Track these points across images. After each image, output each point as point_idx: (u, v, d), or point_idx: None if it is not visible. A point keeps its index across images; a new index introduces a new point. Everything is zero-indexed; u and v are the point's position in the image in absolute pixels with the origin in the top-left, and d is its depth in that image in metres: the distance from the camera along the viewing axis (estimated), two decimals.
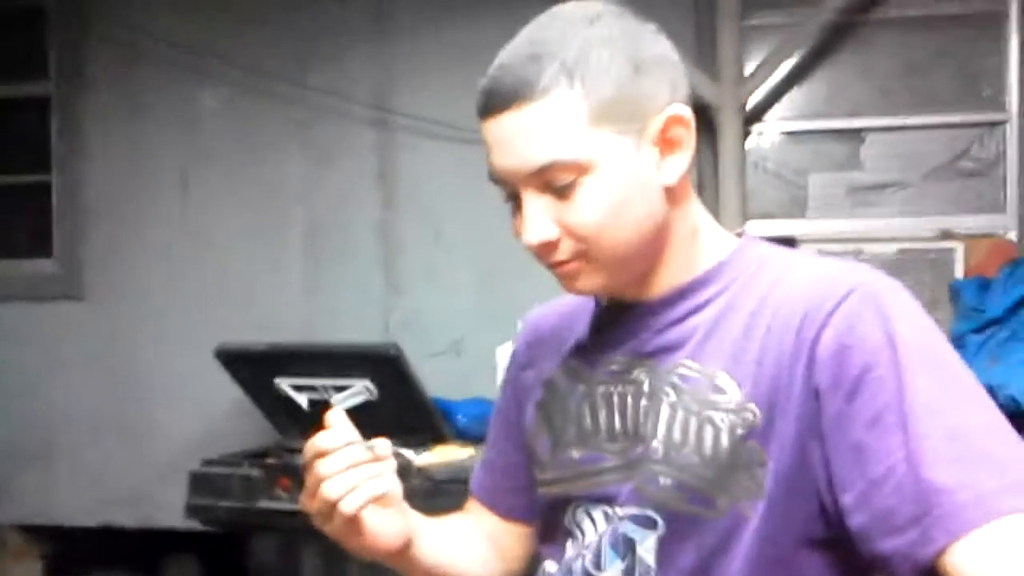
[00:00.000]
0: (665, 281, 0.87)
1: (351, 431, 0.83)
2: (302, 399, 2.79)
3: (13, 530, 3.43)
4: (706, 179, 2.95)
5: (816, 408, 0.76)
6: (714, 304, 0.85)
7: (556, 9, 0.84)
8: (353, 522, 0.84)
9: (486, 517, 1.04)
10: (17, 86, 3.53)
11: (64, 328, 3.43)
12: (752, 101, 2.97)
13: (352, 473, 0.81)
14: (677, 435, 0.81)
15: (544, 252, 0.83)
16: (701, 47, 2.96)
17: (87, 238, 3.43)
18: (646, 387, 0.85)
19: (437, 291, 3.15)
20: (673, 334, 0.85)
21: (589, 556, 0.86)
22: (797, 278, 0.82)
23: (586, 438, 0.88)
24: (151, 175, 3.37)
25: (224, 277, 3.31)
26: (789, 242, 2.85)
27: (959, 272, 2.87)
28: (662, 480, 0.81)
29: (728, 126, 2.89)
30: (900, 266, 2.88)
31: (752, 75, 2.92)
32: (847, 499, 0.74)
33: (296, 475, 2.54)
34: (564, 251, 0.83)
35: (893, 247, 2.93)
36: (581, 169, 0.80)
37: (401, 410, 2.74)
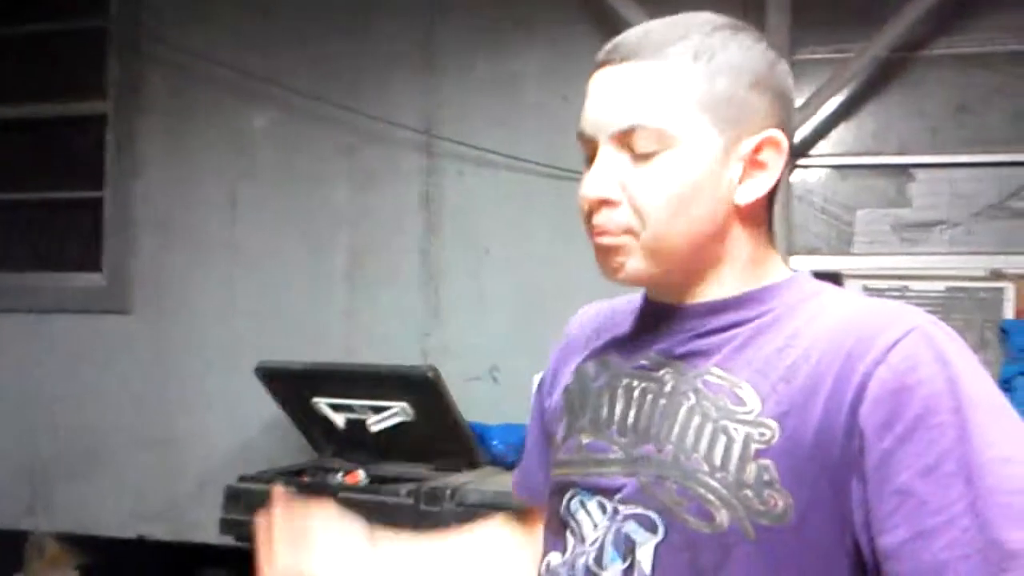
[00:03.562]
0: (711, 292, 0.86)
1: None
2: (339, 419, 2.80)
3: (51, 538, 3.48)
4: None
5: (858, 445, 0.74)
6: (756, 322, 0.84)
7: (708, 12, 0.87)
8: None
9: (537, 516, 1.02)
10: (75, 104, 3.63)
11: (110, 341, 3.50)
12: (799, 135, 2.95)
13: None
14: (690, 440, 0.80)
15: (596, 209, 0.82)
16: None
17: (136, 254, 3.50)
18: (668, 388, 0.84)
19: (476, 317, 3.16)
20: (708, 341, 0.84)
21: (593, 553, 0.84)
22: (846, 309, 0.81)
23: (599, 427, 0.88)
24: (200, 194, 3.44)
25: (267, 296, 3.35)
26: (835, 277, 2.81)
27: (1009, 313, 2.81)
28: (668, 484, 0.80)
29: None
30: (948, 305, 2.83)
31: (799, 109, 2.90)
32: (884, 543, 0.72)
33: (332, 494, 2.55)
34: (617, 220, 0.82)
35: (941, 285, 2.88)
36: (667, 142, 0.81)
37: (437, 433, 2.74)
